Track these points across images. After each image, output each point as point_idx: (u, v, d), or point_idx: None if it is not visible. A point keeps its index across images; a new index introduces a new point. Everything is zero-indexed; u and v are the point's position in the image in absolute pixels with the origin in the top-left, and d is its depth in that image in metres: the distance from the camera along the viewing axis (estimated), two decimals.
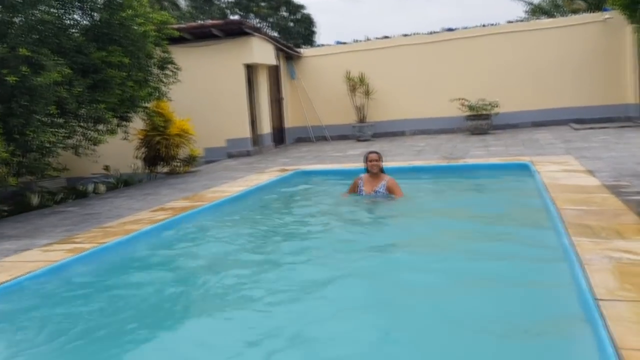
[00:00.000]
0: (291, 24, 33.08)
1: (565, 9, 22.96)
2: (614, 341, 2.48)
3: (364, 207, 6.57)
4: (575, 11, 18.26)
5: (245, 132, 13.69)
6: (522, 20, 16.26)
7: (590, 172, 7.01)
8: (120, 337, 3.41)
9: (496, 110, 14.09)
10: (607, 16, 14.23)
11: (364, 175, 6.84)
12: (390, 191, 6.62)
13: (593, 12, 16.17)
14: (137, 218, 6.34)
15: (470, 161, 9.14)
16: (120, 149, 10.70)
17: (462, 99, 14.36)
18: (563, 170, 7.35)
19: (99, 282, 4.50)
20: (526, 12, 26.90)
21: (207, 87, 13.52)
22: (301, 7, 33.07)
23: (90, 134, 8.69)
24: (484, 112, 14.06)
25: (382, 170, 6.77)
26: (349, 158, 11.22)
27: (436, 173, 8.71)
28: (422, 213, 6.32)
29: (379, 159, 6.68)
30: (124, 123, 9.58)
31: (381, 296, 3.85)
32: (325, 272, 4.37)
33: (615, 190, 5.79)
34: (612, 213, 4.82)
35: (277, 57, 15.30)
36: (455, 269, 4.21)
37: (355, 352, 2.97)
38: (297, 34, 32.51)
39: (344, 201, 6.93)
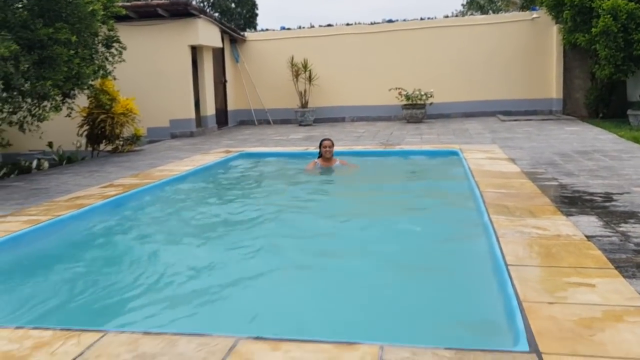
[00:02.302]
0: (232, 5, 32.84)
1: (499, 5, 24.16)
2: (518, 296, 3.04)
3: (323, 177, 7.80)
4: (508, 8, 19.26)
5: (189, 113, 13.80)
6: (457, 15, 17.01)
7: (512, 160, 7.74)
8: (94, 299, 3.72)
9: (431, 100, 14.83)
10: (535, 15, 15.20)
11: (318, 160, 7.90)
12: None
13: (524, 10, 17.11)
14: (88, 193, 6.52)
15: (406, 147, 9.76)
16: (62, 126, 10.63)
17: (400, 89, 15.02)
18: (488, 157, 8.07)
19: (58, 252, 4.74)
20: (463, 5, 28.17)
21: (151, 67, 13.50)
22: None
23: (35, 110, 8.66)
24: (419, 102, 14.78)
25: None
26: (292, 142, 11.62)
27: (374, 157, 9.27)
28: (357, 192, 7.02)
29: (332, 145, 7.87)
30: (68, 100, 9.56)
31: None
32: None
33: (532, 176, 6.51)
34: (527, 196, 5.48)
35: (222, 40, 15.42)
36: (391, 236, 4.81)
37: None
38: (238, 15, 32.33)
39: (301, 175, 8.10)
